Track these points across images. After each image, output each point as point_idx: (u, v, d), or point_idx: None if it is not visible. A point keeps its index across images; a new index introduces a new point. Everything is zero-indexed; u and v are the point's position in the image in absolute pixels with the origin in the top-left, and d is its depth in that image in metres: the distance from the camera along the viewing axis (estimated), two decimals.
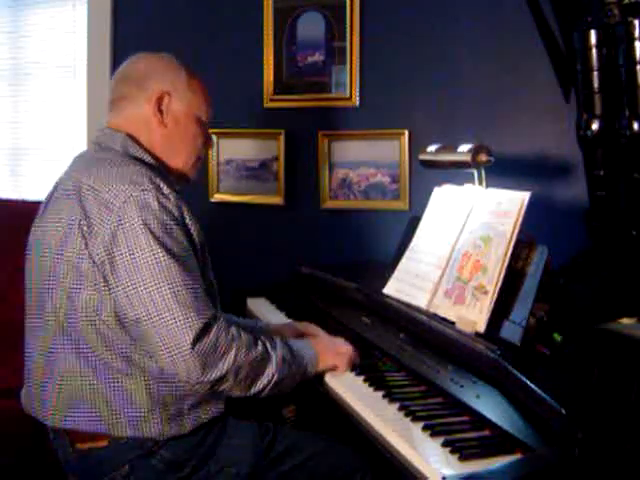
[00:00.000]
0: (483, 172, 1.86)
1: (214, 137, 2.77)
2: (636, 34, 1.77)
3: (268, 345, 1.58)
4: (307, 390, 1.77)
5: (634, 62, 1.78)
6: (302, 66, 2.71)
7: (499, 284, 1.58)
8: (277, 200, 2.77)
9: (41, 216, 1.65)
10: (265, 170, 2.78)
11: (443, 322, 1.67)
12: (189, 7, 2.85)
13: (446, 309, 1.69)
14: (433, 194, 1.97)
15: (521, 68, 2.41)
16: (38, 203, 1.73)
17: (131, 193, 1.50)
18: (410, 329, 1.77)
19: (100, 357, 1.53)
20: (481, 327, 1.57)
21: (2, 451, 2.20)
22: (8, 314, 2.40)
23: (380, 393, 1.61)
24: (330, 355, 1.72)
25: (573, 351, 1.53)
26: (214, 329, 1.48)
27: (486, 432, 1.39)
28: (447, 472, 1.24)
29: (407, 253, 1.93)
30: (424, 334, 1.71)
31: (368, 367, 1.76)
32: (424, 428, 1.41)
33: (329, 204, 2.71)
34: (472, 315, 1.60)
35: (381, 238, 2.60)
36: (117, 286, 1.48)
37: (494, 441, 1.35)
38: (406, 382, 1.68)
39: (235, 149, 2.80)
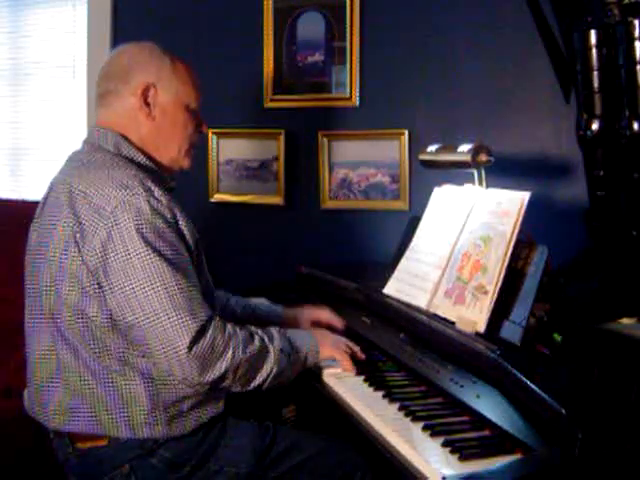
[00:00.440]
0: (483, 172, 1.86)
1: (214, 137, 2.77)
2: (636, 34, 1.77)
3: (265, 339, 1.58)
4: (307, 390, 1.77)
5: (634, 62, 1.78)
6: (302, 66, 2.71)
7: (499, 284, 1.58)
8: (277, 200, 2.76)
9: (37, 218, 1.65)
10: (265, 170, 2.78)
11: (443, 322, 1.67)
12: (189, 7, 2.85)
13: (446, 309, 1.69)
14: (433, 194, 1.97)
15: (521, 68, 2.41)
16: (38, 203, 1.73)
17: (122, 198, 1.49)
18: (410, 329, 1.78)
19: (98, 360, 1.53)
20: (481, 327, 1.57)
21: (2, 451, 2.20)
22: (8, 314, 2.39)
23: (380, 393, 1.61)
24: (329, 345, 1.73)
25: (573, 351, 1.53)
26: (210, 330, 1.48)
27: (486, 432, 1.39)
28: (447, 472, 1.24)
29: (407, 253, 1.93)
30: (424, 334, 1.71)
31: (368, 367, 1.76)
32: (424, 428, 1.41)
33: (329, 204, 2.71)
34: (472, 315, 1.60)
35: (381, 238, 2.59)
36: (111, 291, 1.47)
37: (494, 441, 1.35)
38: (406, 382, 1.68)
39: (235, 149, 2.80)
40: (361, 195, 2.67)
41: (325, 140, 2.68)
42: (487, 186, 1.84)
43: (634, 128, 1.82)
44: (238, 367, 1.51)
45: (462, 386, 1.51)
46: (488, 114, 2.46)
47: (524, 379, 1.35)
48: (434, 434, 1.39)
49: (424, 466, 1.28)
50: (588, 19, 1.89)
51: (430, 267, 1.80)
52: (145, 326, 1.45)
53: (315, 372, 1.75)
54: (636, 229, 1.91)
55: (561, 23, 2.12)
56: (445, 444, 1.33)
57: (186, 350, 1.44)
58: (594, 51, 1.89)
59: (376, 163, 2.63)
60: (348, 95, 2.64)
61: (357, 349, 1.79)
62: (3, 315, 2.47)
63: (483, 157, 1.84)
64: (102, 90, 1.69)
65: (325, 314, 2.00)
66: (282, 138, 2.72)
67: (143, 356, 1.52)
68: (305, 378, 1.75)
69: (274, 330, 1.64)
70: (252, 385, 1.57)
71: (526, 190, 1.65)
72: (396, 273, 1.92)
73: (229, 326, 1.53)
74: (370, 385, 1.66)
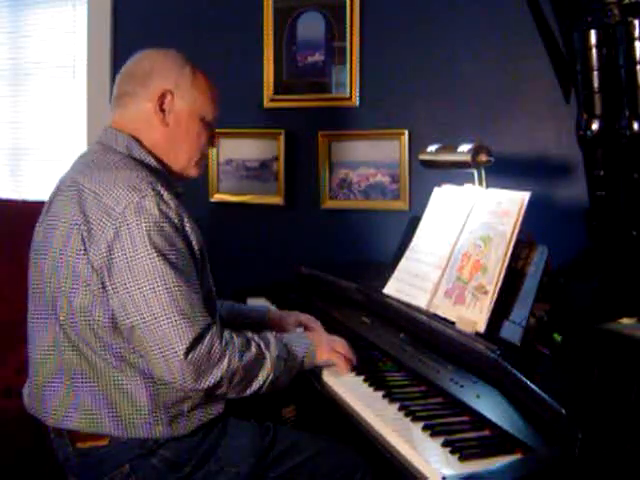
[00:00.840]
0: (483, 172, 1.86)
1: None
2: (636, 34, 1.77)
3: (262, 345, 1.58)
4: (307, 390, 1.77)
5: (634, 62, 1.78)
6: (302, 66, 2.71)
7: (499, 284, 1.58)
8: (277, 200, 2.77)
9: (44, 216, 1.65)
10: (265, 170, 2.78)
11: (443, 322, 1.67)
12: (189, 7, 2.85)
13: (446, 309, 1.69)
14: (433, 194, 1.97)
15: (521, 68, 2.42)
16: (38, 203, 1.73)
17: (131, 199, 1.49)
18: (410, 329, 1.78)
19: (100, 359, 1.53)
20: (481, 327, 1.57)
21: (2, 451, 2.20)
22: (8, 314, 2.40)
23: (380, 393, 1.61)
24: (326, 349, 1.72)
25: (573, 351, 1.53)
26: (208, 337, 1.48)
27: (486, 432, 1.39)
28: (447, 472, 1.23)
29: (407, 253, 1.93)
30: (424, 334, 1.71)
31: (368, 367, 1.76)
32: (424, 428, 1.41)
33: (329, 204, 2.71)
34: (472, 315, 1.60)
35: (381, 238, 2.60)
36: (114, 291, 1.47)
37: (494, 441, 1.35)
38: (406, 382, 1.68)
39: (235, 149, 2.80)
40: (361, 195, 2.67)
41: (325, 140, 2.68)
42: (487, 186, 1.84)
43: (634, 128, 1.82)
44: (234, 375, 1.51)
45: (462, 386, 1.51)
46: (488, 114, 2.47)
47: (524, 379, 1.35)
48: (434, 434, 1.39)
49: (424, 466, 1.28)
50: (588, 19, 1.89)
51: (430, 267, 1.80)
52: (144, 328, 1.45)
53: (315, 372, 1.75)
54: (636, 229, 1.91)
55: (561, 23, 2.12)
56: (445, 444, 1.33)
57: (182, 355, 1.44)
58: (594, 51, 1.90)
59: (376, 163, 2.63)
60: (348, 95, 2.64)
61: (352, 352, 1.76)
62: (3, 315, 2.48)
63: (483, 157, 1.84)
64: (120, 91, 1.69)
65: (311, 322, 1.98)
66: (282, 138, 2.72)
67: (143, 356, 1.52)
68: (305, 378, 1.75)
69: (271, 336, 1.64)
70: (248, 392, 1.57)
71: (526, 190, 1.65)
72: (396, 273, 1.92)
73: (226, 333, 1.53)
74: (370, 385, 1.66)
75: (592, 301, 1.81)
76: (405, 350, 1.75)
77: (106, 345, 1.52)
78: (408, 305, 1.80)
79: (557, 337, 1.55)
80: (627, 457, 1.21)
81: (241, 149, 2.80)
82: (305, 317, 2.00)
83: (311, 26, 2.68)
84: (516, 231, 1.60)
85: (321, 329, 1.93)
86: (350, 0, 2.60)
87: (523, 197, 1.63)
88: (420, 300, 1.77)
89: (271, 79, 2.73)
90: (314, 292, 2.32)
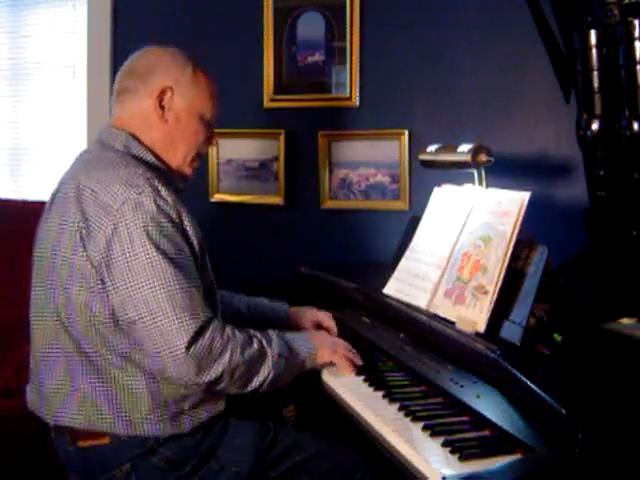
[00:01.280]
0: (483, 172, 1.86)
1: None
2: (636, 34, 1.77)
3: (264, 342, 1.59)
4: (307, 390, 1.77)
5: (634, 62, 1.78)
6: (302, 66, 2.71)
7: (499, 284, 1.58)
8: (277, 200, 2.77)
9: (46, 216, 1.65)
10: (265, 170, 2.78)
11: (443, 322, 1.67)
12: (189, 7, 2.85)
13: (446, 309, 1.69)
14: (433, 194, 1.97)
15: (521, 68, 2.41)
16: (38, 203, 1.74)
17: (129, 196, 1.50)
18: (410, 329, 1.78)
19: (101, 357, 1.54)
20: (481, 327, 1.57)
21: (2, 451, 2.20)
22: (8, 314, 2.40)
23: (380, 393, 1.61)
24: (328, 351, 1.72)
25: (573, 351, 1.53)
26: (209, 331, 1.48)
27: (486, 432, 1.39)
28: (447, 472, 1.24)
29: (407, 253, 1.93)
30: (424, 334, 1.71)
31: (368, 367, 1.76)
32: (424, 428, 1.41)
33: (329, 204, 2.71)
34: (472, 315, 1.60)
35: (381, 238, 2.59)
36: (113, 288, 1.48)
37: (494, 441, 1.35)
38: (406, 382, 1.68)
39: (235, 149, 2.80)
40: (361, 195, 2.67)
41: (325, 140, 2.68)
42: (487, 186, 1.84)
43: (634, 128, 1.82)
44: (235, 369, 1.52)
45: (462, 386, 1.51)
46: (488, 114, 2.46)
47: (524, 379, 1.35)
48: (434, 434, 1.39)
49: (424, 466, 1.28)
50: (588, 19, 1.89)
51: (430, 267, 1.80)
52: (145, 324, 1.46)
53: (315, 372, 1.75)
54: (636, 229, 1.91)
55: (561, 23, 2.12)
56: (445, 444, 1.33)
57: (184, 350, 1.44)
58: (594, 51, 1.89)
59: (376, 163, 2.63)
60: (348, 95, 2.64)
61: (354, 354, 1.77)
62: (3, 315, 2.48)
63: (483, 157, 1.85)
64: (121, 87, 1.70)
65: (327, 320, 1.99)
66: (282, 138, 2.72)
67: (142, 352, 1.52)
68: (305, 378, 1.75)
69: (273, 334, 1.64)
70: (249, 388, 1.57)
71: (526, 190, 1.65)
72: (396, 273, 1.92)
73: (228, 328, 1.54)
74: (370, 385, 1.66)
75: (592, 301, 1.81)
76: (405, 350, 1.75)
77: (108, 343, 1.53)
78: (408, 305, 1.80)
79: (557, 337, 1.55)
80: (627, 457, 1.21)
81: (241, 149, 2.80)
82: (322, 314, 2.00)
83: (311, 26, 2.68)
84: (516, 231, 1.60)
85: (333, 327, 1.94)
86: (350, 0, 2.60)
87: (523, 197, 1.63)
88: (420, 300, 1.77)
89: (271, 79, 2.73)
90: (314, 292, 2.32)
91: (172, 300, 1.46)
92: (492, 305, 1.57)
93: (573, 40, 1.97)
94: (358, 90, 2.63)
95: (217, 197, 2.85)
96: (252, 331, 1.61)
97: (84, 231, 1.51)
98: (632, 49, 1.78)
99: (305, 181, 2.74)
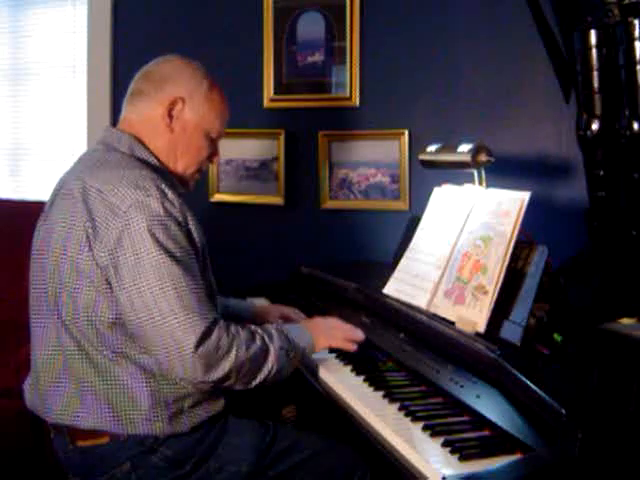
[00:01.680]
0: (483, 172, 1.86)
1: None
2: (636, 34, 1.77)
3: (266, 338, 1.60)
4: (307, 390, 1.77)
5: (634, 62, 1.78)
6: (302, 66, 2.71)
7: (499, 284, 1.58)
8: (277, 200, 2.77)
9: (46, 215, 1.65)
10: (265, 170, 2.78)
11: (443, 322, 1.67)
12: (189, 7, 2.85)
13: (446, 309, 1.69)
14: (433, 194, 1.97)
15: (521, 68, 2.41)
16: (38, 203, 1.73)
17: (137, 198, 1.51)
18: (410, 329, 1.77)
19: (102, 356, 1.54)
20: (481, 327, 1.57)
21: (2, 451, 2.20)
22: (8, 314, 2.40)
23: (380, 393, 1.61)
24: (325, 336, 1.75)
25: (573, 351, 1.53)
26: (215, 331, 1.50)
27: (486, 432, 1.39)
28: (447, 472, 1.24)
29: (407, 253, 1.93)
30: (424, 334, 1.71)
31: (368, 367, 1.76)
32: (424, 428, 1.41)
33: (329, 204, 2.71)
34: (472, 315, 1.60)
35: (381, 238, 2.60)
36: (121, 289, 1.49)
37: (494, 441, 1.35)
38: (406, 382, 1.68)
39: (235, 149, 2.80)
40: (361, 195, 2.67)
41: (325, 140, 2.68)
42: (487, 186, 1.84)
43: (634, 128, 1.82)
44: (242, 366, 1.53)
45: (462, 386, 1.51)
46: (488, 114, 2.46)
47: (524, 379, 1.35)
48: (434, 434, 1.39)
49: (424, 466, 1.28)
50: (588, 19, 1.89)
51: (430, 267, 1.80)
52: (153, 324, 1.46)
53: (315, 372, 1.75)
54: (636, 229, 1.91)
55: (561, 23, 2.12)
56: (445, 444, 1.33)
57: (192, 349, 1.45)
58: (594, 51, 1.89)
59: (376, 163, 2.63)
60: (348, 95, 2.64)
61: (352, 330, 1.79)
62: (3, 315, 2.48)
63: (483, 157, 1.85)
64: (135, 88, 1.72)
65: (293, 314, 2.06)
66: (282, 138, 2.72)
67: (146, 353, 1.52)
68: (305, 378, 1.75)
69: (273, 329, 1.65)
70: (254, 383, 1.58)
71: (526, 190, 1.65)
72: (396, 273, 1.92)
73: (232, 326, 1.55)
74: (370, 385, 1.66)
75: (592, 301, 1.81)
76: (405, 350, 1.75)
77: (110, 343, 1.53)
78: (408, 305, 1.80)
79: (557, 337, 1.55)
80: (627, 457, 1.21)
81: (241, 149, 2.80)
82: (288, 310, 2.08)
83: (311, 26, 2.68)
84: (516, 231, 1.60)
85: (304, 317, 2.02)
86: (350, 0, 2.60)
87: (523, 197, 1.63)
88: (420, 300, 1.78)
89: (271, 79, 2.73)
90: (314, 292, 2.32)
91: (181, 300, 1.47)
92: (492, 305, 1.57)
93: (573, 40, 1.97)
94: (358, 90, 2.63)
95: (217, 197, 2.85)
96: (253, 327, 1.62)
97: (90, 231, 1.51)
98: (632, 49, 1.78)
99: (305, 181, 2.74)
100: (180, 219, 1.54)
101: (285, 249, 2.77)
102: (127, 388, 1.54)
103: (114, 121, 2.64)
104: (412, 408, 1.51)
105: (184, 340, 1.45)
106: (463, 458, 1.28)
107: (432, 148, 2.07)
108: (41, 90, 3.20)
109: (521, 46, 2.39)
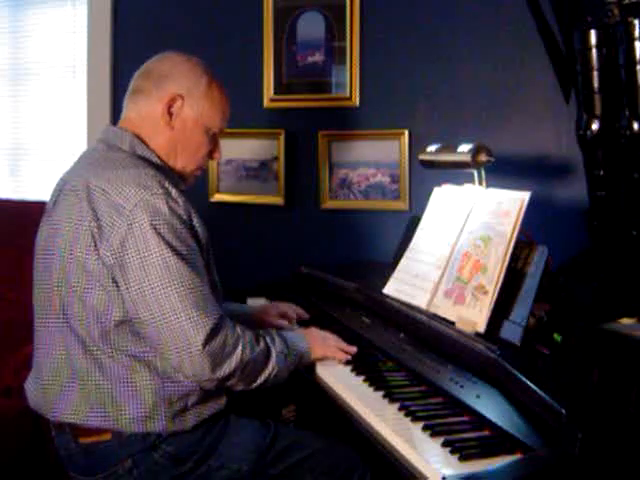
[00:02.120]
0: (483, 172, 1.86)
1: None
2: (636, 34, 1.77)
3: (268, 341, 1.62)
4: (307, 390, 1.78)
5: (634, 62, 1.78)
6: (302, 66, 2.71)
7: (499, 284, 1.58)
8: (277, 200, 2.76)
9: (49, 214, 1.65)
10: (265, 170, 2.78)
11: (443, 322, 1.67)
12: (189, 7, 2.85)
13: (446, 309, 1.69)
14: (433, 194, 1.97)
15: (521, 68, 2.41)
16: (38, 203, 1.73)
17: (141, 197, 1.51)
18: (410, 329, 1.78)
19: (107, 355, 1.54)
20: (481, 327, 1.57)
21: (2, 451, 2.20)
22: (8, 314, 2.40)
23: (380, 393, 1.61)
24: (320, 346, 1.77)
25: (573, 351, 1.53)
26: (222, 329, 1.51)
27: (486, 432, 1.39)
28: (447, 472, 1.23)
29: (407, 253, 1.93)
30: (424, 334, 1.71)
31: (368, 367, 1.76)
32: (424, 428, 1.41)
33: (329, 204, 2.71)
34: (472, 315, 1.60)
35: (381, 238, 2.60)
36: (127, 288, 1.49)
37: (494, 441, 1.35)
38: (406, 382, 1.68)
39: (235, 149, 2.79)
40: (361, 195, 2.67)
41: (325, 140, 2.68)
42: (487, 186, 1.84)
43: (634, 128, 1.82)
44: (246, 366, 1.54)
45: (462, 386, 1.51)
46: (488, 114, 2.46)
47: (524, 379, 1.35)
48: (434, 434, 1.39)
49: (424, 466, 1.28)
50: (588, 19, 1.89)
51: (430, 267, 1.80)
52: (161, 323, 1.47)
53: (314, 372, 1.75)
54: (636, 229, 1.91)
55: (561, 23, 2.12)
56: (445, 444, 1.33)
57: (201, 347, 1.47)
58: (594, 51, 1.90)
59: (376, 163, 2.63)
60: (348, 95, 2.64)
61: (345, 345, 1.81)
62: (3, 315, 2.48)
63: (483, 157, 1.85)
64: (135, 87, 1.72)
65: (291, 308, 2.09)
66: (282, 138, 2.72)
67: (150, 351, 1.53)
68: (305, 378, 1.75)
69: (273, 332, 1.68)
70: (255, 384, 1.60)
71: (526, 190, 1.65)
72: (396, 273, 1.92)
73: (238, 327, 1.57)
74: (370, 385, 1.66)
75: (592, 301, 1.81)
76: (405, 350, 1.75)
77: (115, 342, 1.54)
78: (408, 305, 1.80)
79: (557, 337, 1.55)
80: (627, 457, 1.21)
81: (241, 149, 2.80)
82: (286, 307, 2.09)
83: (311, 26, 2.68)
84: (516, 231, 1.60)
85: (303, 314, 2.07)
86: (350, 0, 2.60)
87: (523, 197, 1.63)
88: (420, 300, 1.77)
89: (271, 79, 2.73)
90: (314, 292, 2.32)
91: (188, 299, 1.48)
92: (492, 305, 1.57)
93: (573, 40, 1.97)
94: (358, 90, 2.63)
95: (217, 197, 2.85)
96: (257, 331, 1.64)
97: (95, 230, 1.52)
98: (632, 49, 1.78)
99: (305, 181, 2.74)
100: (184, 217, 1.55)
101: (285, 249, 2.77)
102: (131, 386, 1.54)
103: (114, 121, 2.64)
104: (412, 408, 1.51)
105: (193, 338, 1.47)
106: (463, 458, 1.28)
107: (432, 148, 2.07)
108: (41, 90, 3.20)
109: (521, 46, 2.39)
